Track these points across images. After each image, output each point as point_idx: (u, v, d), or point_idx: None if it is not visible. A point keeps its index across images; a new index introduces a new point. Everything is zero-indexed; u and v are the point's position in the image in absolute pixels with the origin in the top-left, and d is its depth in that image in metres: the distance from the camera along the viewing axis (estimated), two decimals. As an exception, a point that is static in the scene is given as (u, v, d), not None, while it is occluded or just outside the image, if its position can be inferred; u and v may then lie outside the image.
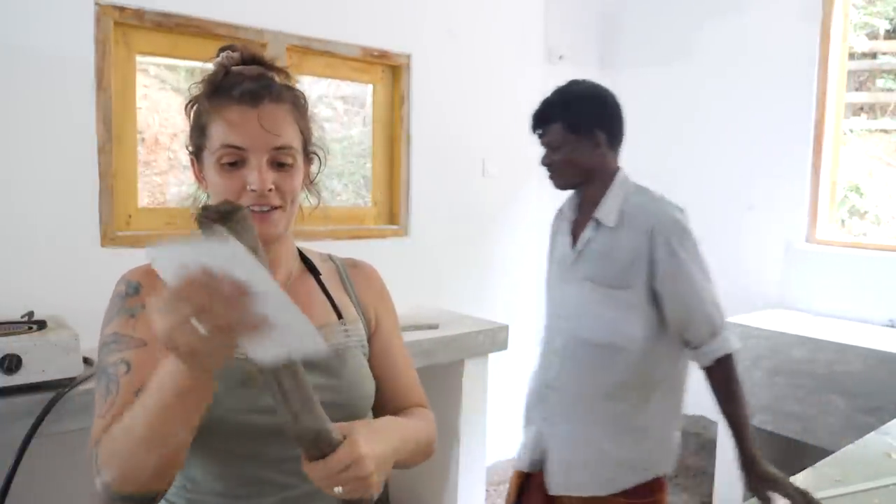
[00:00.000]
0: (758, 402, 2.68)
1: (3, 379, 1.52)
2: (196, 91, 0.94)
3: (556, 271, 1.74)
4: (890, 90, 3.67)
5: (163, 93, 3.31)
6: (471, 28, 3.11)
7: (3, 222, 1.96)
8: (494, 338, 2.63)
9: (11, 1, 1.95)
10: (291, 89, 0.97)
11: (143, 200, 2.48)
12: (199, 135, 0.93)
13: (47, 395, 1.55)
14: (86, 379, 1.63)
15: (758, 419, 2.68)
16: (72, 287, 2.01)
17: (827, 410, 2.47)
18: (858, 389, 2.39)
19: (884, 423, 1.58)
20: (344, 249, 1.13)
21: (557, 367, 1.67)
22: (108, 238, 2.13)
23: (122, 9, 2.14)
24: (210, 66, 0.93)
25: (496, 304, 3.23)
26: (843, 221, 3.47)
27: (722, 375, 1.56)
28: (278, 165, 0.91)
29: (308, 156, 0.99)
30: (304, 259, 1.05)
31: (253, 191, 0.88)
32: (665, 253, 1.54)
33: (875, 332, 2.63)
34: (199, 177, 0.96)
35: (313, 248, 1.09)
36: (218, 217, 0.67)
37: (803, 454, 2.80)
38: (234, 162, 0.89)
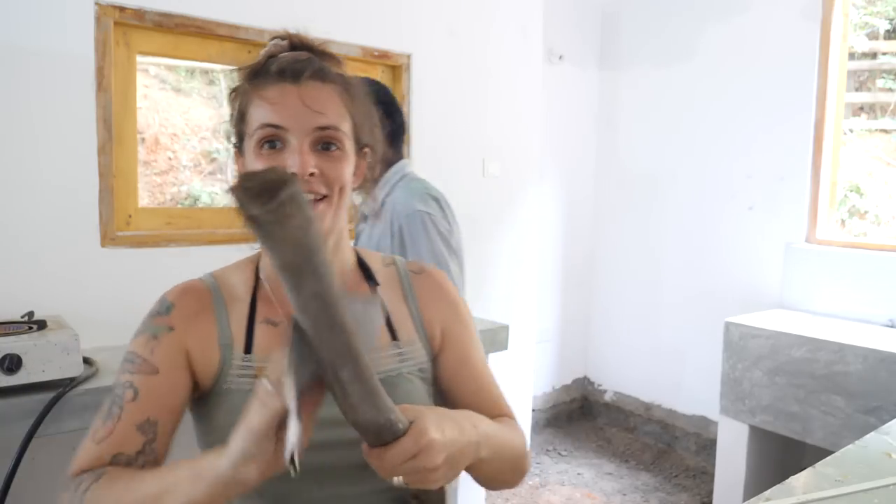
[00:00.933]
0: (758, 403, 2.68)
1: (3, 379, 1.51)
2: (238, 79, 0.87)
3: None
4: (890, 90, 3.67)
5: (163, 93, 3.31)
6: (471, 28, 3.10)
7: (3, 222, 1.96)
8: (494, 338, 2.62)
9: (11, 1, 1.95)
10: (342, 73, 0.87)
11: (143, 200, 2.48)
12: (239, 120, 0.85)
13: (47, 395, 1.55)
14: (86, 379, 1.63)
15: (758, 419, 2.68)
16: (72, 287, 2.01)
17: (827, 410, 2.47)
18: (858, 389, 2.39)
19: (884, 423, 1.57)
20: (344, 249, 1.11)
21: None
22: (108, 238, 2.13)
23: (122, 9, 2.14)
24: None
25: (496, 304, 3.23)
26: (843, 221, 3.47)
27: None
28: (323, 149, 0.81)
29: (361, 148, 0.89)
30: (362, 264, 0.95)
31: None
32: (397, 243, 1.56)
33: (875, 332, 2.63)
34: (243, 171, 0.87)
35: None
36: (261, 191, 0.56)
37: (803, 454, 2.81)
38: (274, 145, 0.80)
